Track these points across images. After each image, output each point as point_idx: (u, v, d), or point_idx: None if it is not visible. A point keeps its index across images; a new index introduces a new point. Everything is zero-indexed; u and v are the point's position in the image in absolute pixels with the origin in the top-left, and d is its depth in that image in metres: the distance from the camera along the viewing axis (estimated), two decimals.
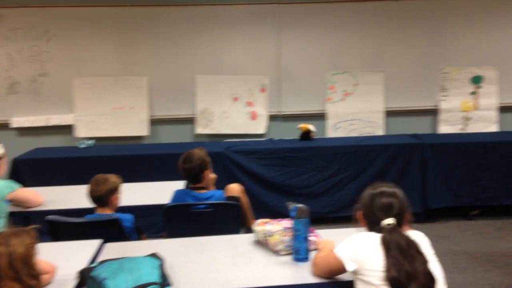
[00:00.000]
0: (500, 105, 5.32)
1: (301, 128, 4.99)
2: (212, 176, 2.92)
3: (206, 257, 2.10)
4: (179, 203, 2.65)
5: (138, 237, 2.64)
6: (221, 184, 3.16)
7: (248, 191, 4.51)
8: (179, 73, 5.43)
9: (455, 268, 3.58)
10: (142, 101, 5.34)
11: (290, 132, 5.29)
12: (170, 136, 5.44)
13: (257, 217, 2.44)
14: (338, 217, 4.42)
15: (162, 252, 1.96)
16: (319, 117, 5.41)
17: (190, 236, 2.34)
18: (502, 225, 4.44)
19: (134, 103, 5.34)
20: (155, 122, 5.45)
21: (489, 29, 5.41)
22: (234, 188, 2.93)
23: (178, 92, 5.44)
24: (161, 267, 1.75)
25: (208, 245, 2.24)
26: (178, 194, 2.75)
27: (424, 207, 4.59)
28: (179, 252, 2.16)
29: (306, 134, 4.99)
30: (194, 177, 2.75)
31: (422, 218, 4.58)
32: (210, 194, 2.72)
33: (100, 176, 2.61)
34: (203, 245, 2.23)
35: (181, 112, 5.47)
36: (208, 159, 2.83)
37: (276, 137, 5.34)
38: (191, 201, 2.68)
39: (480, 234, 4.25)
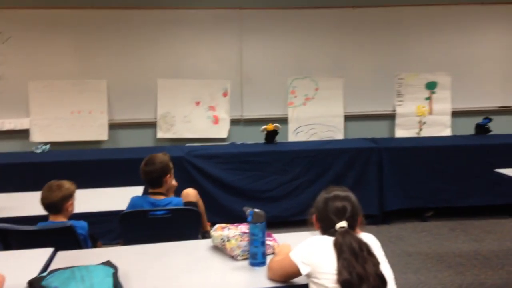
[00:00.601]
0: (452, 110, 5.53)
1: (266, 128, 4.99)
2: (173, 183, 2.90)
3: (162, 264, 2.09)
4: (135, 209, 2.62)
5: (93, 245, 2.60)
6: (181, 189, 3.15)
7: (209, 195, 4.55)
8: (140, 76, 5.38)
9: (409, 268, 3.69)
10: (101, 105, 5.26)
11: (252, 136, 5.33)
12: (131, 140, 5.37)
13: (219, 222, 2.44)
14: (299, 220, 4.46)
15: (117, 260, 1.93)
16: (281, 121, 5.45)
17: (148, 243, 2.32)
18: (454, 226, 4.60)
19: (93, 107, 5.25)
20: (114, 127, 5.37)
21: (443, 37, 5.62)
22: (190, 193, 2.92)
23: (139, 96, 5.39)
24: (114, 275, 1.73)
25: (164, 251, 2.22)
26: (134, 200, 2.72)
27: (380, 209, 4.71)
28: (134, 260, 2.13)
29: (272, 135, 5.00)
30: (154, 180, 2.72)
31: (378, 220, 4.69)
32: (168, 200, 2.70)
33: (54, 182, 2.55)
34: (159, 252, 2.22)
35: (141, 116, 5.42)
36: (171, 165, 2.81)
37: (238, 141, 5.36)
38: (148, 208, 2.65)
39: (434, 235, 4.39)
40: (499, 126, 5.47)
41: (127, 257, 2.16)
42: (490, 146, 4.80)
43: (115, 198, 3.04)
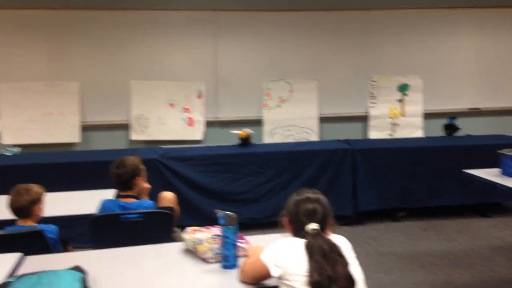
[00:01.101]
0: (424, 112, 5.63)
1: (240, 134, 5.00)
2: (145, 186, 2.87)
3: (133, 268, 2.06)
4: (106, 213, 2.58)
5: (64, 249, 2.56)
6: (155, 191, 3.12)
7: (183, 198, 4.53)
8: (114, 78, 5.33)
9: (382, 268, 3.74)
10: (73, 106, 5.18)
11: (227, 138, 5.32)
12: (104, 142, 5.31)
13: (193, 224, 2.43)
14: (274, 222, 4.45)
15: (87, 264, 1.90)
16: (256, 123, 5.48)
17: (120, 246, 2.29)
18: (427, 226, 4.68)
19: (65, 109, 5.16)
20: (87, 129, 5.30)
21: (415, 41, 5.73)
22: (168, 197, 2.89)
23: (112, 98, 5.33)
24: (83, 280, 1.70)
25: (136, 255, 2.20)
26: (105, 204, 2.68)
27: (354, 210, 4.76)
28: (105, 264, 2.11)
29: (246, 140, 5.01)
30: (124, 183, 2.69)
31: (352, 221, 4.74)
32: (139, 203, 2.67)
33: (22, 186, 2.50)
34: (130, 256, 2.19)
35: (115, 118, 5.36)
36: (142, 167, 2.79)
37: (213, 143, 5.35)
38: (118, 211, 2.62)
39: (406, 235, 4.46)
40: (469, 128, 5.61)
41: (97, 261, 2.13)
42: (460, 147, 4.91)
43: (87, 201, 3.00)
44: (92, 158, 4.51)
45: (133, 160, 2.75)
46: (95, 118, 5.32)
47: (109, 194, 2.92)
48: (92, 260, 2.13)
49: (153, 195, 3.05)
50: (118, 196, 2.73)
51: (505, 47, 5.84)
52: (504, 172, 3.51)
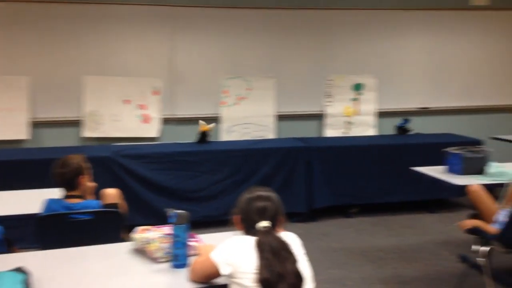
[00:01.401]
0: (378, 111, 5.78)
1: (202, 127, 4.96)
2: (90, 184, 2.80)
3: (79, 269, 2.03)
4: (52, 212, 2.51)
5: (9, 250, 2.47)
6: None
7: (138, 197, 4.48)
8: (66, 73, 5.18)
9: (334, 263, 3.83)
10: (21, 102, 5.01)
11: (184, 136, 5.29)
12: (55, 139, 5.16)
13: (148, 224, 2.41)
14: (229, 220, 4.48)
15: (31, 265, 1.86)
16: (213, 120, 5.46)
17: (67, 247, 2.24)
18: (377, 222, 4.82)
19: (12, 105, 4.98)
20: (38, 125, 5.14)
21: (369, 40, 5.87)
22: (111, 194, 2.83)
23: (64, 93, 5.19)
24: (26, 281, 1.66)
25: (83, 255, 2.16)
26: (49, 203, 2.61)
27: (309, 207, 4.84)
28: (49, 265, 2.06)
29: (204, 136, 4.99)
30: (68, 182, 2.62)
31: (307, 218, 4.82)
32: (85, 204, 2.61)
33: None
34: (77, 256, 2.15)
35: (67, 114, 5.22)
36: (86, 165, 2.72)
37: (170, 140, 5.30)
38: (63, 212, 2.55)
39: (358, 231, 4.58)
40: (419, 126, 5.80)
41: (43, 262, 2.08)
42: (410, 145, 5.08)
43: (34, 201, 2.90)
44: (42, 156, 4.37)
45: (76, 159, 2.67)
46: (45, 114, 5.16)
47: (57, 193, 2.84)
48: (37, 261, 2.08)
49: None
50: (64, 196, 2.65)
51: (452, 48, 6.06)
52: (450, 169, 3.66)
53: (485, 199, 3.14)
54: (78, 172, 2.63)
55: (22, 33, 5.04)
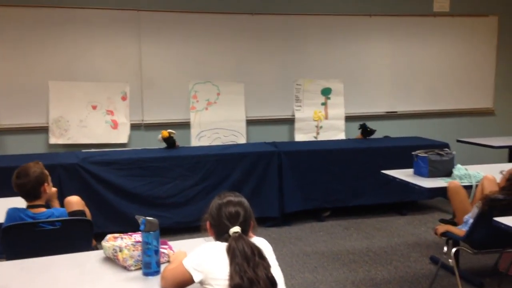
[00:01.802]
0: (346, 115, 5.85)
1: (162, 134, 4.90)
2: (52, 190, 2.72)
3: (47, 278, 1.96)
4: (18, 222, 2.42)
5: None
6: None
7: (108, 204, 4.39)
8: (30, 78, 5.06)
9: (307, 267, 3.83)
10: None
11: (153, 141, 5.22)
12: (20, 147, 5.02)
13: (118, 231, 2.35)
14: (201, 226, 4.44)
15: None
16: (183, 125, 5.43)
17: (35, 257, 2.17)
18: (348, 225, 4.86)
19: None
20: (1, 132, 4.98)
21: (336, 46, 5.96)
22: (73, 201, 2.75)
23: (29, 99, 5.06)
24: None
25: (51, 265, 2.09)
26: (10, 213, 2.50)
27: (281, 211, 4.84)
28: (17, 275, 1.99)
29: (170, 140, 4.92)
30: (30, 193, 2.51)
31: (279, 222, 4.82)
32: (50, 213, 2.52)
33: None
34: (45, 266, 2.08)
35: (32, 120, 5.09)
36: (46, 172, 2.62)
37: (139, 146, 5.23)
38: (29, 221, 2.46)
39: (330, 234, 4.61)
40: (387, 130, 5.90)
41: (9, 272, 2.02)
42: (379, 148, 5.15)
43: None
44: (6, 164, 4.21)
45: (34, 167, 2.55)
46: (9, 121, 5.02)
47: (22, 202, 2.74)
48: (3, 271, 2.00)
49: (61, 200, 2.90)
50: (27, 206, 2.55)
51: (417, 53, 6.21)
52: (416, 172, 3.73)
53: (462, 196, 3.25)
54: (39, 181, 2.53)
55: None
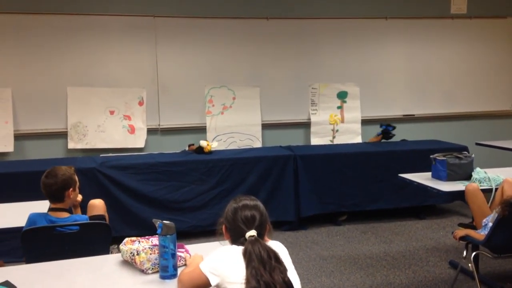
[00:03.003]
0: (362, 118, 5.81)
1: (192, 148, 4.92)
2: (78, 199, 2.75)
3: (65, 282, 1.99)
4: (38, 226, 2.46)
5: None
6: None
7: (125, 208, 4.43)
8: (49, 84, 5.14)
9: (323, 272, 3.81)
10: (5, 114, 4.94)
11: (170, 146, 5.26)
12: (40, 152, 5.09)
13: (135, 235, 2.37)
14: (217, 229, 4.45)
15: (17, 279, 1.83)
16: (199, 130, 5.46)
17: (54, 260, 2.20)
18: (366, 229, 4.82)
19: None
20: (21, 137, 5.07)
21: (352, 49, 5.93)
22: (98, 205, 2.78)
23: (47, 105, 5.14)
24: None
25: (70, 268, 2.12)
26: (32, 217, 2.54)
27: (297, 215, 4.82)
28: (36, 278, 2.01)
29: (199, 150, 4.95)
30: (54, 194, 2.55)
31: (295, 226, 4.81)
32: (72, 219, 2.55)
33: None
34: (64, 269, 2.11)
35: (51, 126, 5.17)
36: (75, 178, 2.66)
37: (156, 151, 5.26)
38: (49, 225, 2.49)
39: (347, 239, 4.58)
40: (404, 133, 5.85)
41: (28, 276, 2.04)
42: (396, 152, 5.10)
43: (19, 214, 2.85)
44: (26, 169, 4.30)
45: (64, 170, 2.60)
46: (29, 127, 5.10)
47: (43, 206, 2.79)
48: (23, 275, 2.03)
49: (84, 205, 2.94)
50: (49, 209, 2.59)
51: (434, 56, 6.15)
52: (435, 175, 3.69)
53: (480, 199, 3.20)
54: (65, 185, 2.56)
55: (4, 44, 4.99)
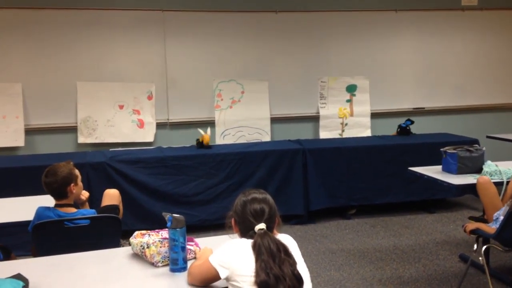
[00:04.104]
0: (372, 112, 5.78)
1: (202, 138, 4.93)
2: (84, 194, 2.77)
3: (76, 275, 2.00)
4: (48, 219, 2.48)
5: (6, 257, 2.45)
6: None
7: (134, 201, 4.45)
8: (58, 79, 5.17)
9: (333, 265, 3.81)
10: (16, 109, 4.98)
11: (179, 140, 5.28)
12: (50, 146, 5.13)
13: (145, 228, 2.39)
14: (226, 223, 4.47)
15: (28, 272, 1.84)
16: (208, 124, 5.45)
17: (64, 253, 2.22)
18: (375, 223, 4.81)
19: (7, 112, 4.95)
20: (31, 132, 5.11)
21: (361, 42, 5.89)
22: (112, 195, 2.78)
23: (57, 100, 5.17)
24: None
25: (80, 261, 2.14)
26: (39, 211, 2.56)
27: (306, 209, 4.82)
28: (47, 271, 2.03)
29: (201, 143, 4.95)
30: (56, 191, 2.56)
31: (304, 220, 4.80)
32: (79, 214, 2.56)
33: None
34: (74, 262, 2.13)
35: (61, 120, 5.21)
36: (75, 173, 2.67)
37: (164, 145, 5.28)
38: (59, 219, 2.51)
39: (356, 232, 4.57)
40: (414, 127, 5.80)
41: (39, 269, 2.06)
42: (405, 145, 5.07)
43: (30, 208, 2.87)
44: (37, 163, 4.32)
45: (64, 167, 2.59)
46: (39, 121, 5.14)
47: (51, 200, 2.81)
48: (34, 268, 2.05)
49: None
50: (55, 206, 2.60)
51: (444, 48, 6.09)
52: (445, 169, 3.66)
53: (492, 192, 3.16)
54: (66, 181, 2.56)
55: (14, 39, 5.02)
